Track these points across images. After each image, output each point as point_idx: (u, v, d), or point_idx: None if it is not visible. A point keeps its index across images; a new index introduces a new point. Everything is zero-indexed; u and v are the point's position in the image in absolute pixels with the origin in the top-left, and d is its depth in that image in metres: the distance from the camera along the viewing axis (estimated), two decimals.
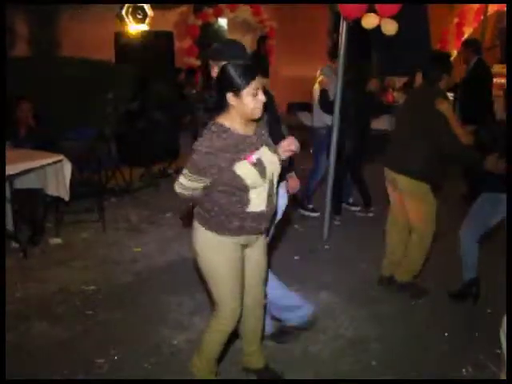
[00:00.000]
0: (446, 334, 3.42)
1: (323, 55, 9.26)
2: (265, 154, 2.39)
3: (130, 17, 7.32)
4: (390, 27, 4.32)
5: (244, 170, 2.30)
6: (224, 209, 2.39)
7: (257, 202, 2.40)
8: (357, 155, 5.44)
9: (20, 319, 3.54)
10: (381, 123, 7.99)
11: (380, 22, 4.29)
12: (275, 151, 2.47)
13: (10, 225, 4.76)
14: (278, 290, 3.15)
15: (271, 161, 2.42)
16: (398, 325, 3.58)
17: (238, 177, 2.30)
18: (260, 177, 2.34)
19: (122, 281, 4.13)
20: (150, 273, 4.29)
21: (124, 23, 7.33)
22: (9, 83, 5.24)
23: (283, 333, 3.33)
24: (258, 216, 2.43)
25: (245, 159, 2.30)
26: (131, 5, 7.32)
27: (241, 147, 2.32)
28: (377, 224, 4.76)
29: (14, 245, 4.68)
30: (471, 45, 6.27)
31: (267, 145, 2.44)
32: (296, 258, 4.63)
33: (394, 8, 4.16)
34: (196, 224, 2.53)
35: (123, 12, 7.25)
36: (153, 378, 2.95)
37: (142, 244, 4.87)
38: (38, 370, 3.00)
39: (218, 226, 2.43)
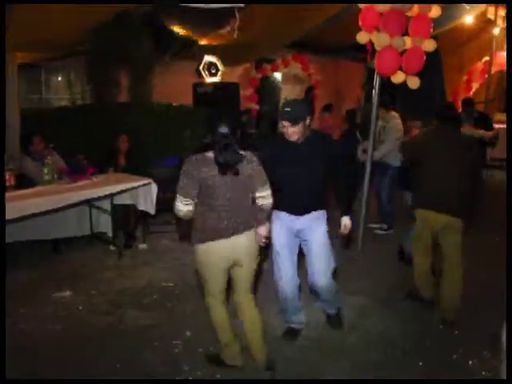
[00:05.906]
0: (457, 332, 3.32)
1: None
2: None
3: (205, 71, 7.65)
4: (413, 82, 4.47)
5: None
6: None
7: None
8: None
9: (116, 307, 3.72)
10: None
11: (406, 78, 4.43)
12: None
13: (109, 232, 5.01)
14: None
15: None
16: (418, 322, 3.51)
17: None
18: None
19: (193, 280, 4.17)
20: None
21: (201, 76, 7.66)
22: (115, 123, 5.60)
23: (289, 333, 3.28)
24: None
25: None
26: (207, 61, 7.62)
27: None
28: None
29: (112, 248, 4.93)
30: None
31: None
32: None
33: (417, 67, 4.35)
34: None
35: (200, 67, 7.60)
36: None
37: None
38: (131, 348, 3.14)
39: None
